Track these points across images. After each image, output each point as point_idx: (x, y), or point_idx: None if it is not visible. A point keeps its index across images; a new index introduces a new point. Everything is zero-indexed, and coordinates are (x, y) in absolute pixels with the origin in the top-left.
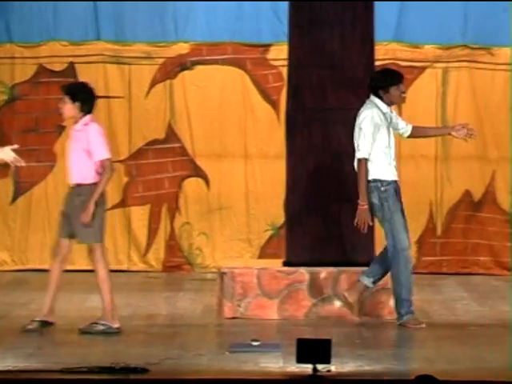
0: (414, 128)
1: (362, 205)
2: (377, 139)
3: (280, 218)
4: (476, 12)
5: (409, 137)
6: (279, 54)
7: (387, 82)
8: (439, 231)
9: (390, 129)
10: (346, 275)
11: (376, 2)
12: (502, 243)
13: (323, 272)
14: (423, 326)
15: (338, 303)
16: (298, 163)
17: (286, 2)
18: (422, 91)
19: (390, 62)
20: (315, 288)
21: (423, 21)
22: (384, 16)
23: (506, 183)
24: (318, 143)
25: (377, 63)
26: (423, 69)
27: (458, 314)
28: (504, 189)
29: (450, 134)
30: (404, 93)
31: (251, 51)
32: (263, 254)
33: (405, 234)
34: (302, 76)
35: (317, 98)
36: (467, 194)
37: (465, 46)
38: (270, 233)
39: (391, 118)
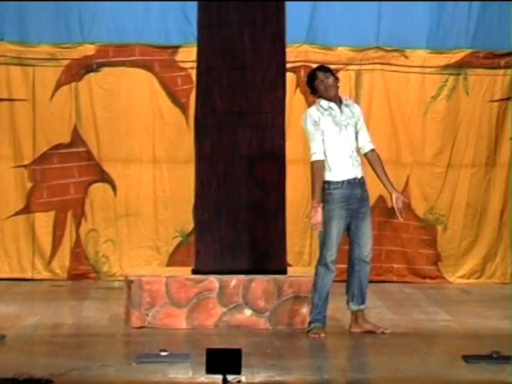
0: (371, 153)
1: (313, 203)
2: (325, 136)
3: (189, 224)
4: (390, 13)
5: (364, 156)
6: (188, 55)
7: (311, 80)
8: None
9: (344, 124)
10: (256, 283)
11: (287, 3)
12: (415, 250)
13: (233, 280)
14: (322, 336)
15: (248, 312)
16: (207, 168)
17: (195, 2)
18: None
19: (302, 64)
20: (225, 296)
21: (336, 22)
22: (296, 17)
23: (421, 189)
24: (228, 147)
25: (288, 65)
26: (336, 71)
27: (372, 322)
28: (418, 194)
29: (390, 195)
30: (328, 85)
31: (159, 53)
32: (172, 261)
33: (333, 248)
34: (211, 78)
35: (227, 101)
36: (381, 199)
37: (378, 48)
38: (178, 240)
39: (348, 115)
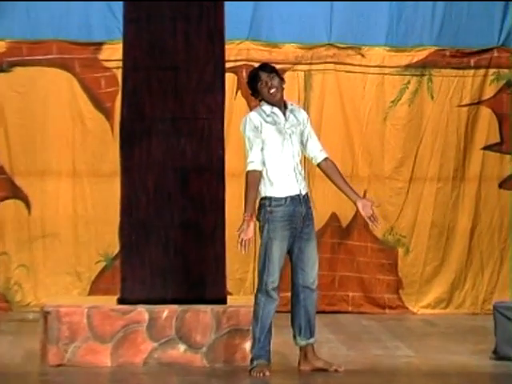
0: (325, 162)
1: (245, 216)
2: (266, 145)
3: (114, 246)
4: (343, 6)
5: (318, 166)
6: (113, 53)
7: (252, 80)
8: None
9: (288, 133)
10: (192, 314)
11: None
12: (373, 276)
13: (165, 310)
14: (267, 374)
15: (182, 347)
16: (135, 182)
17: None
18: None
19: (244, 63)
20: (156, 329)
21: (282, 16)
22: (237, 10)
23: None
24: (159, 158)
25: (228, 65)
26: (282, 71)
27: (324, 358)
28: (377, 212)
29: (354, 204)
30: (272, 88)
31: (80, 50)
32: (95, 289)
33: (275, 273)
34: (139, 79)
35: (157, 106)
36: (334, 218)
37: (331, 45)
38: (102, 264)
39: (293, 123)
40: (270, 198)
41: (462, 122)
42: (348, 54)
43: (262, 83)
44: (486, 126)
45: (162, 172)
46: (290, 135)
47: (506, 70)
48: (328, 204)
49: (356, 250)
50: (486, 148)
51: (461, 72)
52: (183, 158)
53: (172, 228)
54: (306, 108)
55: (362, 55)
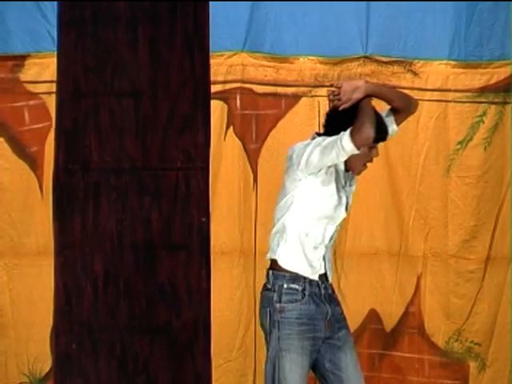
0: None
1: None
2: (318, 186)
3: (44, 361)
4: (385, 6)
5: None
6: (42, 72)
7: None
8: None
9: (345, 196)
10: None
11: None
12: None
13: None
14: None
15: None
16: (76, 264)
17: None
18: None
19: (239, 85)
20: None
21: (295, 19)
22: (228, 11)
23: (440, 299)
24: (111, 229)
25: (215, 88)
26: (295, 97)
27: None
28: (435, 308)
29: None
30: (371, 162)
31: None
32: None
33: None
34: (82, 111)
35: (109, 151)
36: (373, 317)
37: (367, 57)
38: None
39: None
40: (291, 275)
41: None
42: (393, 72)
43: (370, 151)
44: None
45: (117, 250)
46: (345, 199)
47: None
48: (363, 297)
49: (406, 366)
50: None
51: None
52: (147, 228)
53: (130, 333)
54: None
55: (415, 73)
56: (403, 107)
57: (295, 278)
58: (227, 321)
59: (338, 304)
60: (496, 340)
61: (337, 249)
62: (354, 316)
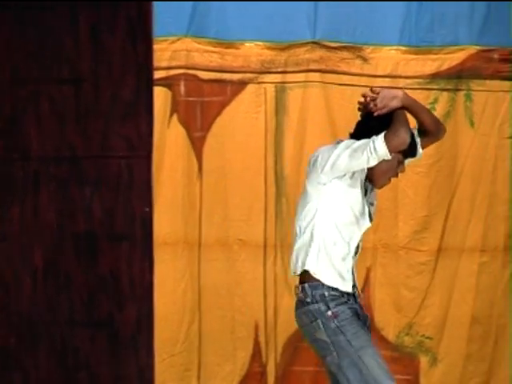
0: None
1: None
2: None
3: None
4: None
5: None
6: None
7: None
8: None
9: (367, 207)
10: None
11: None
12: None
13: None
14: None
15: None
16: (13, 256)
17: None
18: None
19: (183, 71)
20: None
21: (241, 3)
22: None
23: (390, 288)
24: (51, 220)
25: (159, 74)
26: (241, 84)
27: None
28: (385, 300)
29: None
30: (396, 177)
31: None
32: None
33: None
34: (19, 98)
35: (48, 139)
36: None
37: (315, 43)
38: None
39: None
40: (328, 288)
41: None
42: (342, 58)
43: (398, 166)
44: None
45: (57, 241)
46: (367, 208)
47: None
48: None
49: None
50: None
51: None
52: (88, 218)
53: (71, 327)
54: (279, 141)
55: (365, 59)
56: (433, 131)
57: (330, 286)
58: (171, 314)
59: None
60: (448, 334)
61: (283, 240)
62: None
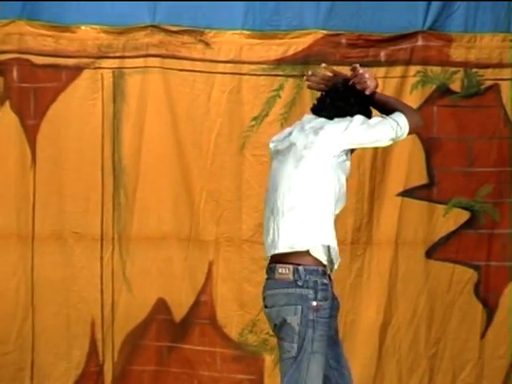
0: None
1: None
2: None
3: None
4: None
5: None
6: None
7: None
8: None
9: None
10: None
11: None
12: None
13: None
14: None
15: None
16: None
17: None
18: None
19: (15, 56)
20: None
21: None
22: None
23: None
24: None
25: None
26: (76, 70)
27: None
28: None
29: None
30: None
31: None
32: None
33: None
34: None
35: None
36: (161, 306)
37: (154, 27)
38: None
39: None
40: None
41: (367, 154)
42: (183, 42)
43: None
44: (406, 160)
45: None
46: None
47: (436, 69)
48: (150, 286)
49: (196, 359)
50: (406, 193)
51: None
52: None
53: None
54: (117, 130)
55: (207, 43)
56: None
57: (324, 272)
58: (2, 311)
59: None
60: None
61: (122, 233)
62: (141, 306)
